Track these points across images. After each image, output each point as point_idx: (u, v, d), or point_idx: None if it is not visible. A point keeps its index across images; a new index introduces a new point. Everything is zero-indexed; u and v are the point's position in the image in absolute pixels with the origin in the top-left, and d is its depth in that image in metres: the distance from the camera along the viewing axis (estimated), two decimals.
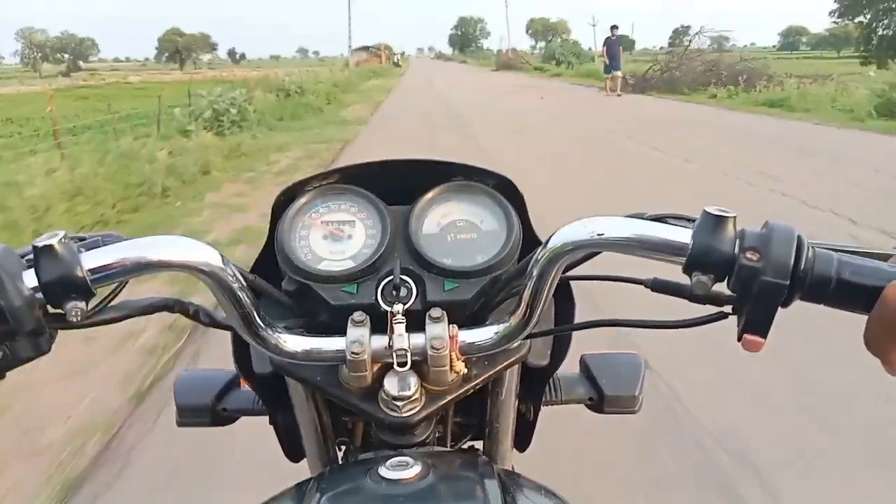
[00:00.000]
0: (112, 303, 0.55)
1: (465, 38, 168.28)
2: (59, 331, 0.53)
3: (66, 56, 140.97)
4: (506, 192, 0.69)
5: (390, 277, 0.63)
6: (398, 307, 0.60)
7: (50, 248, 0.50)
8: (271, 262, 0.67)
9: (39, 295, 0.50)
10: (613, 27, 19.62)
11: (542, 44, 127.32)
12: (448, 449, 0.74)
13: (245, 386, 0.83)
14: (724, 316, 0.53)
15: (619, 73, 19.41)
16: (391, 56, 78.14)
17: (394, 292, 0.62)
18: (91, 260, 0.51)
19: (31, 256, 0.51)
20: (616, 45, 19.35)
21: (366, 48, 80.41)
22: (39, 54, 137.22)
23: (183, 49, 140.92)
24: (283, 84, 16.67)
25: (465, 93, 22.36)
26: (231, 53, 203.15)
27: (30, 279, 0.50)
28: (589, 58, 41.22)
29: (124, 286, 0.55)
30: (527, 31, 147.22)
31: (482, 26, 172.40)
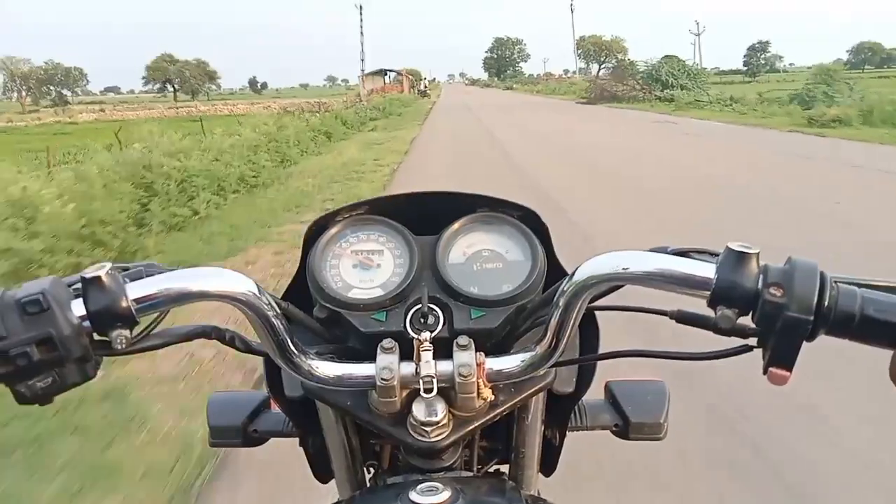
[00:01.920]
0: (154, 330, 0.58)
1: (502, 61, 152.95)
2: (104, 357, 0.55)
3: (53, 88, 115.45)
4: (530, 223, 0.71)
5: (418, 306, 0.65)
6: (426, 335, 0.62)
7: (97, 279, 0.52)
8: (303, 289, 0.69)
9: (87, 323, 0.52)
10: None
11: (594, 66, 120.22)
12: (475, 474, 0.75)
13: (275, 408, 0.85)
14: (750, 349, 0.53)
15: None
16: (416, 83, 60.92)
17: (422, 320, 0.64)
18: (135, 291, 0.54)
19: (78, 286, 0.53)
20: None
21: (382, 72, 60.72)
22: (24, 87, 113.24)
23: (175, 78, 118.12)
24: (153, 166, 7.27)
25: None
26: (252, 82, 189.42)
27: (78, 308, 0.52)
28: (702, 79, 34.49)
29: (166, 314, 0.58)
30: (576, 52, 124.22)
31: (521, 48, 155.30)
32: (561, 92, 55.22)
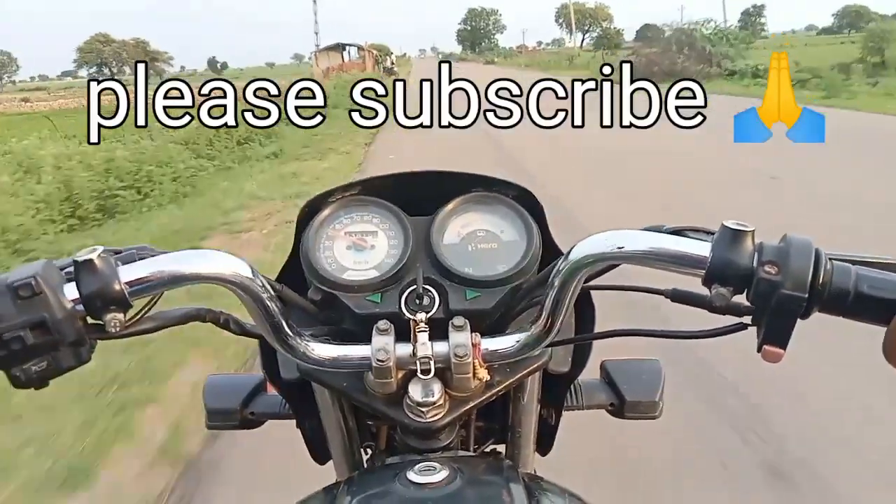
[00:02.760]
0: (147, 314, 0.57)
1: (476, 33, 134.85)
2: (98, 341, 0.55)
3: None
4: (526, 203, 0.71)
5: (413, 287, 0.65)
6: (421, 315, 0.62)
7: (90, 262, 0.52)
8: (297, 271, 0.69)
9: (80, 307, 0.52)
10: None
11: (578, 36, 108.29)
12: (472, 453, 0.76)
13: (271, 390, 0.85)
14: (744, 327, 0.53)
15: None
16: (380, 59, 47.37)
17: (417, 301, 0.64)
18: (128, 273, 0.53)
19: (70, 269, 0.53)
20: None
21: (340, 47, 46.38)
22: None
23: (111, 60, 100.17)
24: None
25: None
26: (211, 62, 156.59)
27: (71, 292, 0.52)
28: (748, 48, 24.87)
29: (159, 297, 0.57)
30: (557, 21, 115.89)
31: (496, 19, 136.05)
32: (557, 66, 42.90)
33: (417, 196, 0.71)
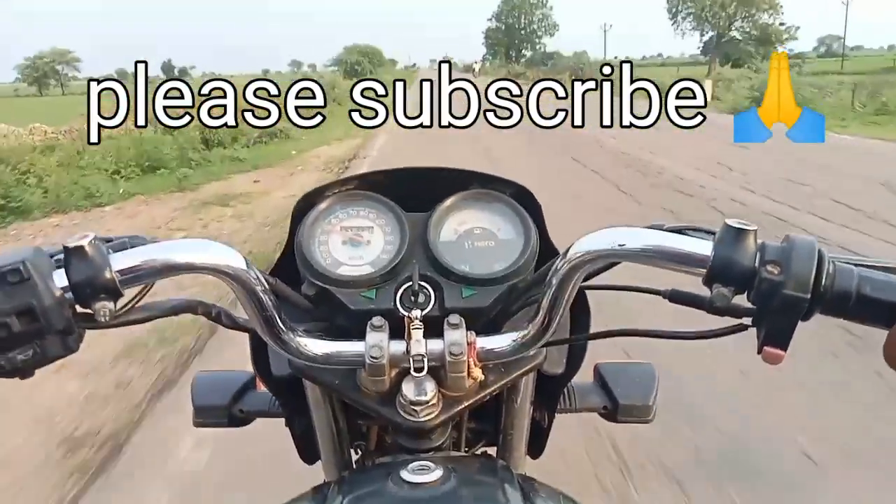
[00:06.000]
0: (139, 303, 0.56)
1: (514, 34, 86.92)
2: (87, 330, 0.54)
3: None
4: (523, 201, 0.70)
5: (409, 283, 0.64)
6: (416, 313, 0.61)
7: (80, 249, 0.51)
8: (291, 266, 0.68)
9: (69, 295, 0.51)
10: None
11: (707, 35, 62.39)
12: (464, 454, 0.75)
13: (262, 387, 0.84)
14: (744, 328, 0.53)
15: None
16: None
17: (412, 298, 0.63)
18: (120, 261, 0.52)
19: (60, 257, 0.52)
20: None
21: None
22: None
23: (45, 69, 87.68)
24: None
25: None
26: (166, 67, 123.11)
27: (60, 279, 0.50)
28: None
29: (151, 287, 0.56)
30: (671, 14, 64.40)
31: (544, 13, 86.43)
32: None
33: (414, 192, 0.70)
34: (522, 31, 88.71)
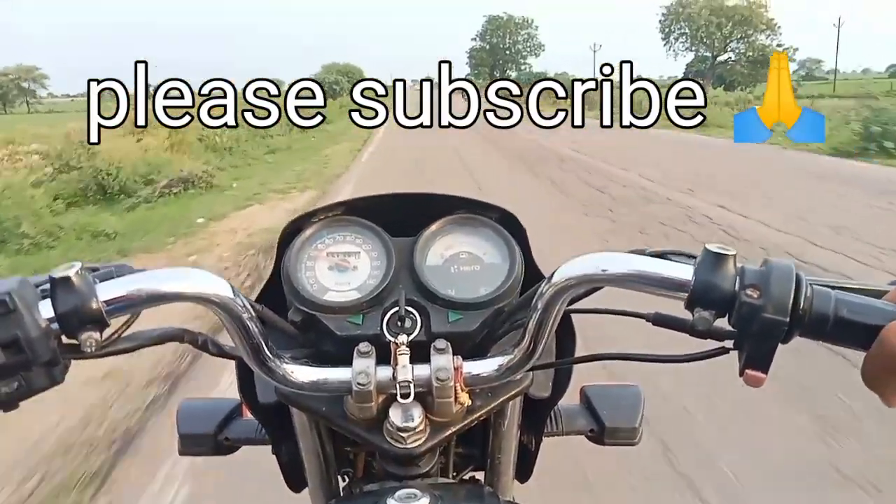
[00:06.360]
0: (125, 333, 0.56)
1: (498, 54, 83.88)
2: (72, 361, 0.53)
3: None
4: (508, 225, 0.70)
5: (395, 309, 0.64)
6: (403, 338, 0.61)
7: (66, 279, 0.50)
8: (277, 292, 0.68)
9: (55, 325, 0.50)
10: None
11: (693, 54, 61.64)
12: (451, 480, 0.75)
13: (247, 415, 0.83)
14: (726, 351, 0.53)
15: None
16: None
17: (399, 323, 0.63)
18: (106, 291, 0.52)
19: (46, 287, 0.51)
20: None
21: None
22: None
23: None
24: None
25: None
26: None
27: (45, 310, 0.50)
28: None
29: (137, 316, 0.56)
30: (663, 35, 64.01)
31: (529, 33, 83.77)
32: None
33: (401, 217, 0.70)
34: (507, 52, 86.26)
